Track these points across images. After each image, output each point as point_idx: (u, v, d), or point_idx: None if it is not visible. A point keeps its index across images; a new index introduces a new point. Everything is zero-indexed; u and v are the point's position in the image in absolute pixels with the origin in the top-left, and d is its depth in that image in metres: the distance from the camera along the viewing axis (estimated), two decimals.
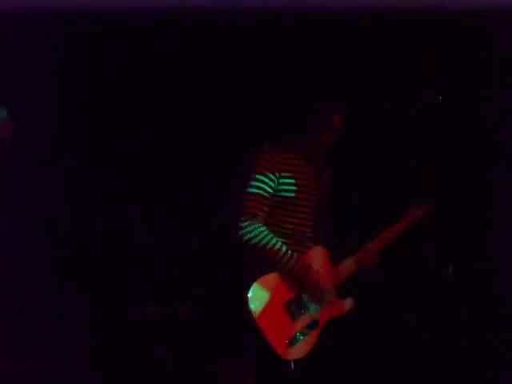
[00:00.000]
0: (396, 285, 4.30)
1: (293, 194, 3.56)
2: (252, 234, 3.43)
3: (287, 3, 3.88)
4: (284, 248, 3.47)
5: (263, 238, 3.43)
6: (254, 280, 3.43)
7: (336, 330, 3.59)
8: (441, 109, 4.27)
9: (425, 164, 4.24)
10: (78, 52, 4.35)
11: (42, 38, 4.22)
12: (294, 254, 3.48)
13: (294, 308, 3.46)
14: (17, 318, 4.05)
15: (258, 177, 3.51)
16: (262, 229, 3.45)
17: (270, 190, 3.52)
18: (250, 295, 3.37)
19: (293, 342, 3.43)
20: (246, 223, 3.43)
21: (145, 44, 4.37)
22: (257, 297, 3.39)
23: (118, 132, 4.47)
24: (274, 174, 3.52)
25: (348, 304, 3.65)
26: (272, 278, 3.46)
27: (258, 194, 3.50)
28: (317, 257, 3.58)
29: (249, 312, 3.37)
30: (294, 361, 3.42)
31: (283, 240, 3.52)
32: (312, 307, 3.51)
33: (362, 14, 4.02)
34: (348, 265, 3.65)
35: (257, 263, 3.50)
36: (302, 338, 3.45)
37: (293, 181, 3.57)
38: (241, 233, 3.43)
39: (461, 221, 4.22)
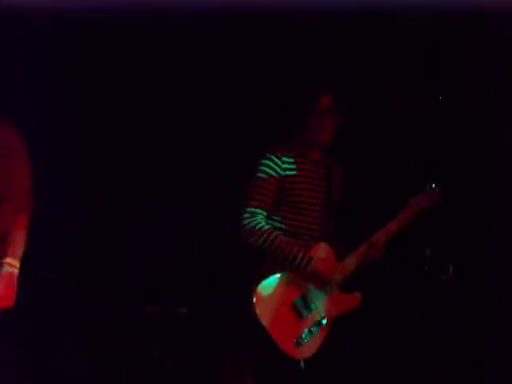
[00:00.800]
0: (396, 285, 4.29)
1: (299, 193, 3.57)
2: (252, 231, 3.45)
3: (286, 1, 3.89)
4: (283, 243, 3.47)
5: (262, 234, 3.45)
6: (257, 279, 3.43)
7: (336, 329, 3.58)
8: (441, 109, 4.26)
9: (425, 163, 4.23)
10: (77, 52, 4.35)
11: (42, 38, 4.22)
12: (295, 248, 3.49)
13: (300, 307, 3.47)
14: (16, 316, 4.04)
15: (264, 161, 3.54)
16: (261, 225, 3.46)
17: (274, 173, 3.54)
18: (255, 298, 3.39)
19: (301, 341, 3.43)
20: (248, 214, 3.47)
21: (144, 44, 4.37)
22: (263, 299, 3.40)
23: (118, 133, 4.47)
24: (280, 159, 3.54)
25: (355, 299, 3.63)
26: (277, 279, 3.47)
27: (262, 178, 3.52)
28: (320, 252, 3.58)
29: (255, 314, 3.37)
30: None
31: (288, 238, 3.53)
32: (318, 305, 3.51)
33: (361, 13, 4.02)
34: (353, 259, 3.63)
35: (260, 262, 3.52)
36: (309, 336, 3.45)
37: (299, 179, 3.58)
38: (242, 223, 3.45)
39: (461, 221, 4.22)
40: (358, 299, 3.62)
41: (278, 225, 3.54)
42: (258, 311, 3.38)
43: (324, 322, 3.51)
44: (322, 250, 3.58)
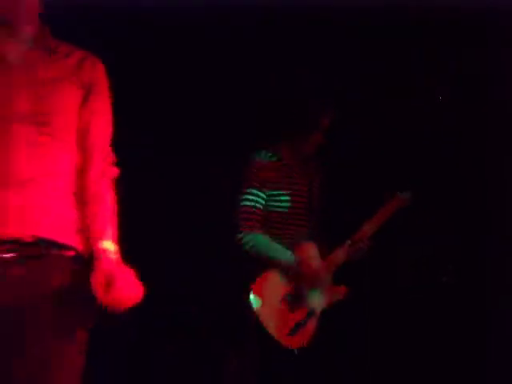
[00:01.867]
0: (397, 287, 4.32)
1: (284, 203, 3.72)
2: (250, 245, 3.61)
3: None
4: (282, 256, 3.61)
5: (260, 248, 3.60)
6: (253, 278, 3.57)
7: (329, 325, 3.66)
8: (441, 109, 4.28)
9: (424, 164, 4.25)
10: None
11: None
12: (291, 260, 3.61)
13: (291, 301, 3.60)
14: None
15: (250, 190, 3.67)
16: (258, 239, 3.61)
17: (262, 201, 3.68)
18: (251, 297, 3.53)
19: (293, 332, 3.56)
20: (243, 235, 3.62)
21: (139, 48, 4.34)
22: (257, 296, 3.53)
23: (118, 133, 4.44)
24: (262, 190, 3.67)
25: (341, 292, 3.71)
26: (268, 276, 3.62)
27: (252, 206, 3.66)
28: (305, 253, 3.65)
29: (251, 311, 3.52)
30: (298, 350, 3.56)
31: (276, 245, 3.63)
32: (309, 298, 3.62)
33: (361, 12, 4.03)
34: (338, 255, 3.70)
35: (255, 263, 3.59)
36: (301, 327, 3.58)
37: (281, 189, 3.70)
38: (240, 244, 3.61)
39: (460, 222, 4.24)
40: (344, 291, 3.71)
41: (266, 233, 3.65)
42: (254, 307, 3.52)
43: (314, 313, 3.64)
44: (306, 251, 3.66)
